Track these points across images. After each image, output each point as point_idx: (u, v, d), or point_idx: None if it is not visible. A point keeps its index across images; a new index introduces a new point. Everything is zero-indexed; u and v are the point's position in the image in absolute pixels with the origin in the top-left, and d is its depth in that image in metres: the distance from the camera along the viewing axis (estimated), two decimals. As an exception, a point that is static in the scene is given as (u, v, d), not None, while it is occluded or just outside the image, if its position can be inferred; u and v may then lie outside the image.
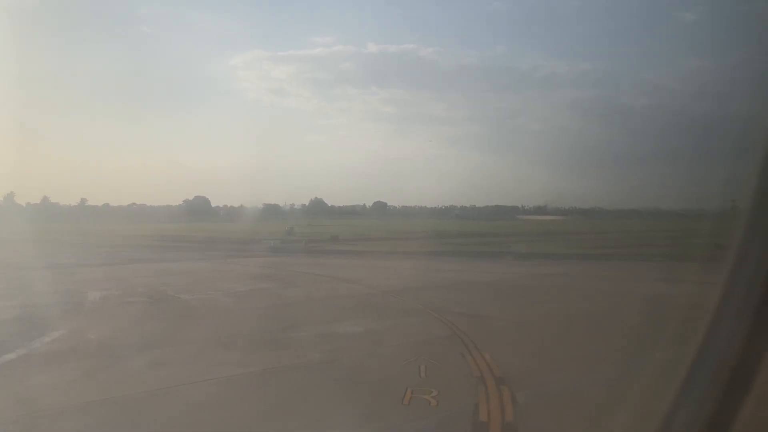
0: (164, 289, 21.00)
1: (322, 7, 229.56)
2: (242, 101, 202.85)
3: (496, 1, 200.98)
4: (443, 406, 8.01)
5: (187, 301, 18.26)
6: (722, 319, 2.40)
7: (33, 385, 9.47)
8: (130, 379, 9.76)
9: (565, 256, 35.13)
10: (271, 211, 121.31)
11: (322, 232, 61.78)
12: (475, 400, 8.06)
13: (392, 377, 9.47)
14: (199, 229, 76.47)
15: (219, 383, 9.42)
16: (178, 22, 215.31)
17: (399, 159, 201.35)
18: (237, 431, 7.66)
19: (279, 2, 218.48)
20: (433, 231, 66.04)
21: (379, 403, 8.27)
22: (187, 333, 13.72)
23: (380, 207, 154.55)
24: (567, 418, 7.77)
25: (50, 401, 8.57)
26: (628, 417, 4.99)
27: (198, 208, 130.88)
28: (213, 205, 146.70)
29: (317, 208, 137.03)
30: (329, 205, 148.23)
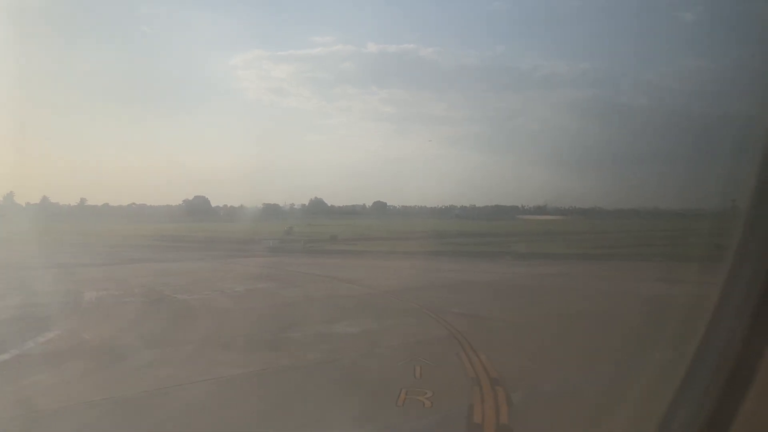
0: (162, 289, 20.96)
1: (322, 7, 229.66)
2: (242, 101, 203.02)
3: (496, 1, 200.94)
4: (437, 408, 7.95)
5: (185, 301, 18.20)
6: (722, 318, 2.40)
7: (25, 386, 9.39)
8: (124, 380, 9.70)
9: (565, 256, 35.09)
10: (271, 211, 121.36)
11: (321, 232, 61.74)
12: (469, 401, 8.00)
13: (387, 378, 9.42)
14: (198, 229, 76.50)
15: (214, 384, 9.36)
16: (178, 21, 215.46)
17: (399, 159, 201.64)
18: (230, 432, 7.61)
19: (279, 2, 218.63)
20: (432, 231, 65.99)
21: (373, 404, 8.22)
22: (183, 333, 13.66)
23: (380, 207, 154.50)
24: (563, 419, 7.71)
25: (41, 402, 8.51)
26: (625, 418, 4.96)
27: (198, 208, 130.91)
28: (213, 204, 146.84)
29: (317, 208, 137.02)
30: (329, 204, 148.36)
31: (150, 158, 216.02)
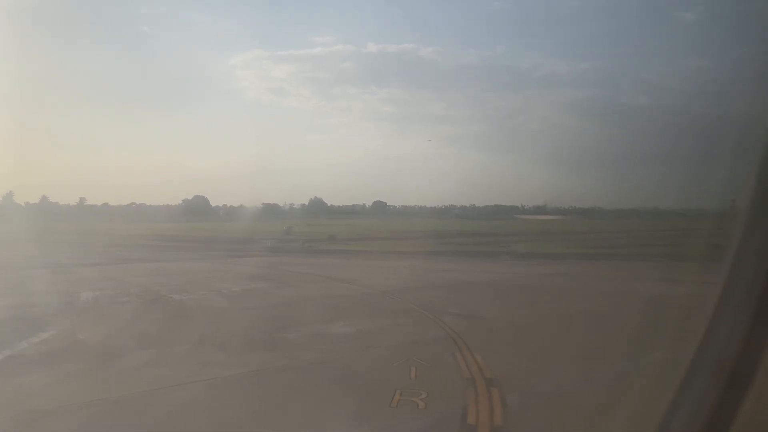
0: (158, 289, 20.86)
1: (322, 7, 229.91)
2: (242, 101, 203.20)
3: (496, 1, 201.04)
4: (431, 409, 7.85)
5: (180, 302, 18.09)
6: (722, 318, 2.40)
7: (16, 387, 9.31)
8: (116, 380, 9.62)
9: (565, 256, 35.03)
10: (271, 210, 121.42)
11: (320, 232, 61.65)
12: (464, 402, 7.90)
13: (382, 379, 9.32)
14: (197, 228, 76.46)
15: (207, 385, 9.27)
16: (178, 21, 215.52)
17: (398, 158, 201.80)
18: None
19: (279, 2, 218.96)
20: (432, 230, 65.93)
21: (367, 406, 8.12)
22: (177, 333, 13.54)
23: (380, 206, 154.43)
24: (558, 421, 7.61)
25: (32, 403, 8.42)
26: (624, 418, 4.91)
27: (197, 208, 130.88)
28: (212, 204, 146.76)
29: (317, 208, 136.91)
30: (329, 204, 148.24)
31: (150, 158, 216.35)
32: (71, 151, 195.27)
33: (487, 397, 8.11)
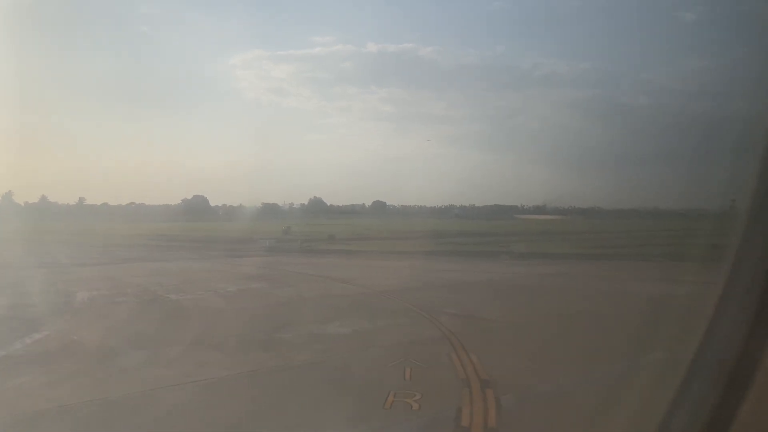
0: (155, 289, 20.77)
1: (322, 7, 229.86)
2: (242, 101, 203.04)
3: (496, 0, 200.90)
4: (425, 411, 7.75)
5: (176, 302, 18.01)
6: (721, 318, 2.40)
7: (8, 388, 9.22)
8: (109, 381, 9.53)
9: (564, 256, 34.94)
10: (270, 210, 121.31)
11: (319, 232, 61.58)
12: (458, 403, 7.81)
13: (376, 380, 9.23)
14: (196, 228, 76.40)
15: (201, 386, 9.17)
16: (177, 21, 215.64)
17: (398, 158, 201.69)
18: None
19: (279, 2, 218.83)
20: (431, 230, 65.83)
21: (360, 407, 8.02)
22: (171, 334, 13.45)
23: (379, 206, 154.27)
24: (554, 422, 7.51)
25: (25, 404, 8.35)
26: (621, 419, 4.88)
27: (196, 208, 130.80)
28: (212, 204, 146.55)
29: (316, 208, 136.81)
30: (328, 204, 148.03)
31: (149, 158, 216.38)
32: (70, 150, 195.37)
33: (482, 398, 8.02)
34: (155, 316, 15.80)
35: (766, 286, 2.18)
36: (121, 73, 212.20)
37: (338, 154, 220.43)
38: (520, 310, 16.65)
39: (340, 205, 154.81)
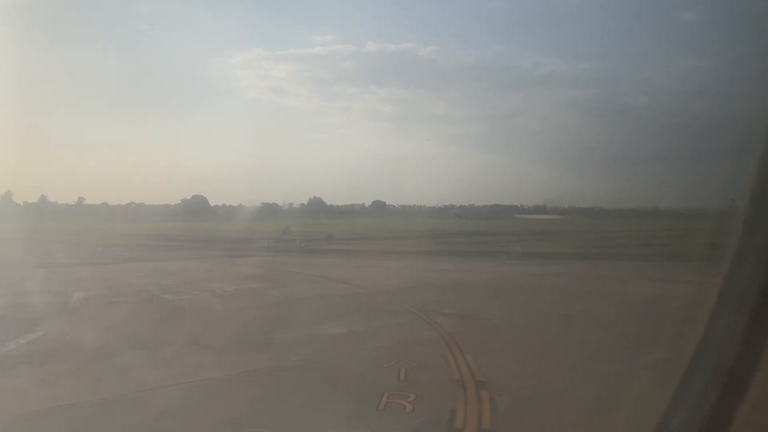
0: (152, 289, 20.72)
1: (322, 7, 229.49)
2: (241, 100, 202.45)
3: (495, 0, 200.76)
4: (419, 412, 7.69)
5: (173, 302, 17.95)
6: (721, 318, 2.39)
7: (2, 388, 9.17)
8: (104, 382, 9.47)
9: (564, 256, 34.88)
10: (270, 210, 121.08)
11: (318, 231, 61.51)
12: (452, 405, 7.74)
13: (370, 381, 9.17)
14: (196, 228, 76.29)
15: (194, 387, 9.13)
16: (177, 21, 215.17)
17: (398, 158, 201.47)
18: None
19: (279, 2, 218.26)
20: (431, 230, 65.70)
21: (353, 408, 7.96)
22: (167, 334, 13.38)
23: (379, 206, 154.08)
24: (550, 423, 7.44)
25: (19, 404, 8.30)
26: (620, 419, 4.84)
27: (196, 207, 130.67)
28: (211, 204, 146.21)
29: (316, 207, 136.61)
30: (328, 204, 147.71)
31: (149, 157, 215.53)
32: (70, 150, 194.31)
33: (477, 399, 7.96)
34: (152, 317, 15.75)
35: (765, 286, 2.17)
36: (120, 73, 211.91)
37: (338, 154, 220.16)
38: (518, 310, 16.58)
39: (340, 204, 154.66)
